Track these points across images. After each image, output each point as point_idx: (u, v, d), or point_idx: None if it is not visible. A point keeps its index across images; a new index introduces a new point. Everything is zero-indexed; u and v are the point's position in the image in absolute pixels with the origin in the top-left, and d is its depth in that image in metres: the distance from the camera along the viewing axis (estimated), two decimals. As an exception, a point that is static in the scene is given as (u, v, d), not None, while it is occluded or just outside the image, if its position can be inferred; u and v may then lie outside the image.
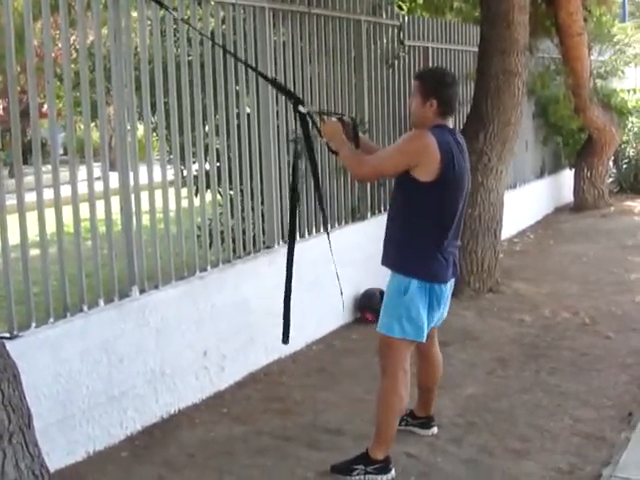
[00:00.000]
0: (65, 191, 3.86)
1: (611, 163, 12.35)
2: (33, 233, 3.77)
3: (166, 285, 4.51)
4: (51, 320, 3.85)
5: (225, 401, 4.65)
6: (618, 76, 13.18)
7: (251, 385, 4.90)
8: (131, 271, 4.32)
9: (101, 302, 4.12)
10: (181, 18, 4.48)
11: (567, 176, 11.79)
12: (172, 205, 4.64)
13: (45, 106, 4.03)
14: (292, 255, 3.73)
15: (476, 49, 7.15)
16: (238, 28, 5.03)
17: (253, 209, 5.29)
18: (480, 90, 6.85)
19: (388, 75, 7.01)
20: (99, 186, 4.09)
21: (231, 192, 5.15)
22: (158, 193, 4.49)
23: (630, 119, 12.39)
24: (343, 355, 5.46)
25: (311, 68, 5.80)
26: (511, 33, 6.58)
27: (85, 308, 4.03)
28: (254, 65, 5.10)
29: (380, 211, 6.73)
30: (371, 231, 6.08)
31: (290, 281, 3.72)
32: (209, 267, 4.87)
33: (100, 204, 4.11)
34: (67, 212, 3.91)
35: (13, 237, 3.65)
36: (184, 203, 4.75)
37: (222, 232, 5.11)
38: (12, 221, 3.63)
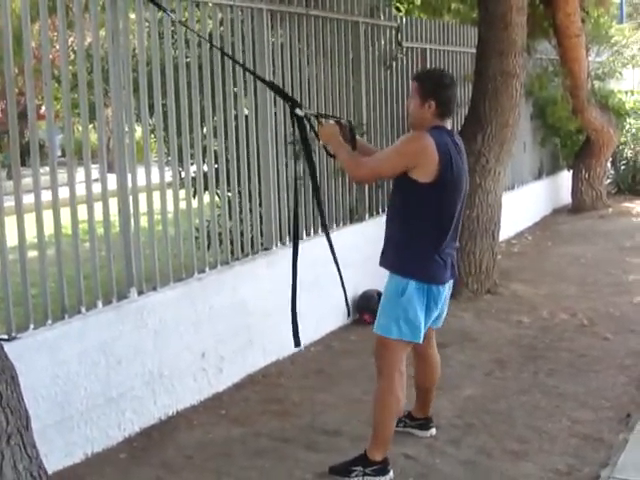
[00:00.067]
0: (63, 193, 3.87)
1: (609, 164, 12.38)
2: (31, 235, 3.78)
3: (164, 287, 4.51)
4: (49, 322, 3.85)
5: (223, 403, 4.65)
6: (616, 77, 13.20)
7: (249, 387, 4.90)
8: (129, 273, 4.32)
9: (99, 304, 4.12)
10: (179, 20, 4.48)
11: (565, 177, 11.79)
12: (170, 207, 4.64)
13: (43, 108, 4.04)
14: (296, 259, 3.72)
15: (474, 50, 7.16)
16: (236, 30, 5.03)
17: (251, 211, 5.29)
18: (478, 91, 6.86)
19: (386, 77, 7.02)
20: (97, 188, 4.08)
21: (229, 194, 5.15)
22: (156, 195, 4.49)
23: (628, 120, 12.41)
24: (341, 356, 5.46)
25: (309, 70, 5.80)
26: (509, 34, 6.59)
27: (83, 310, 4.03)
28: (252, 67, 5.11)
29: (378, 212, 6.74)
30: (369, 232, 6.08)
31: (295, 284, 3.71)
32: (207, 269, 4.87)
33: (98, 206, 4.11)
34: (65, 214, 3.90)
35: (11, 239, 3.65)
36: (182, 205, 4.75)
37: (220, 234, 5.11)
38: (10, 223, 3.63)
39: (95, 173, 4.08)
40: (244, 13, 5.13)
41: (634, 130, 12.74)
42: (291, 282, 3.72)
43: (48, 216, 3.80)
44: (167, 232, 4.60)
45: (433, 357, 4.05)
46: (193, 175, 4.91)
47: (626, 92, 12.90)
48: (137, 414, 4.23)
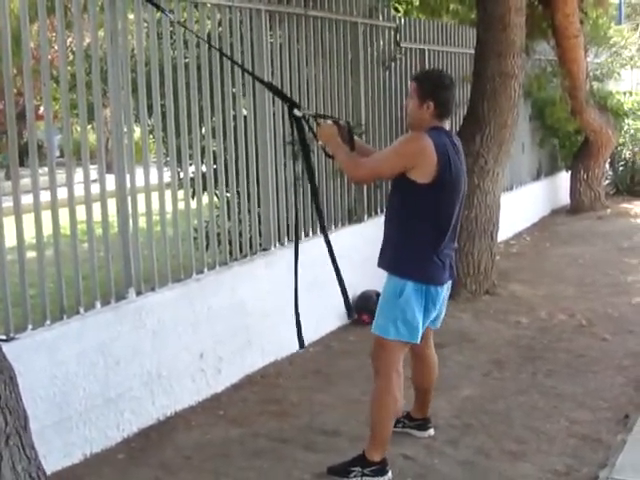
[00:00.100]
0: (62, 193, 3.86)
1: (607, 165, 12.38)
2: (30, 235, 3.77)
3: (163, 287, 4.51)
4: (48, 322, 3.85)
5: (221, 403, 4.65)
6: (614, 78, 13.22)
7: (247, 387, 4.90)
8: (128, 273, 4.32)
9: (98, 304, 4.12)
10: (178, 20, 4.48)
11: (563, 178, 11.80)
12: (169, 207, 4.64)
13: (42, 108, 4.04)
14: (297, 262, 3.72)
15: (472, 51, 7.16)
16: (235, 30, 5.03)
17: (250, 211, 5.29)
18: (476, 92, 6.86)
19: (385, 77, 7.02)
20: (96, 188, 4.09)
21: (228, 194, 5.16)
22: (155, 195, 4.48)
23: (626, 121, 12.41)
24: (340, 357, 5.46)
25: (308, 70, 5.80)
26: (507, 35, 6.59)
27: (82, 310, 4.03)
28: (251, 67, 5.11)
29: (377, 213, 6.74)
30: (368, 233, 6.08)
31: (297, 286, 3.71)
32: (206, 269, 4.87)
33: (97, 206, 4.11)
34: (64, 214, 3.90)
35: (10, 239, 3.65)
36: (181, 205, 4.75)
37: (219, 234, 5.11)
38: (9, 223, 3.63)
39: (94, 174, 4.08)
40: (243, 14, 5.13)
41: (632, 131, 12.74)
42: (293, 284, 3.71)
43: (47, 216, 3.80)
44: (166, 233, 4.60)
45: (430, 357, 4.05)
46: (192, 176, 4.91)
47: (624, 93, 12.90)
48: (135, 415, 4.23)
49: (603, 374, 4.98)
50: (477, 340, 5.75)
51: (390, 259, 3.67)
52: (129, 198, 4.29)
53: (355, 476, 3.65)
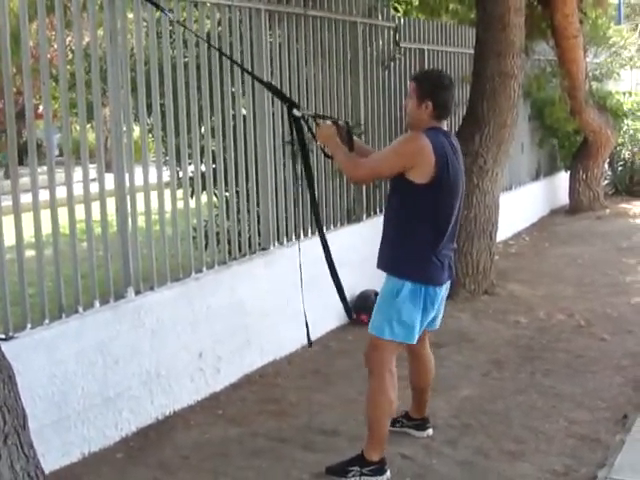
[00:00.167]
0: (61, 192, 3.86)
1: (606, 165, 12.38)
2: (29, 234, 3.77)
3: (161, 286, 4.51)
4: (46, 321, 3.84)
5: (220, 403, 4.65)
6: (614, 78, 13.23)
7: (246, 387, 4.90)
8: (126, 272, 4.31)
9: (96, 303, 4.12)
10: (177, 20, 4.48)
11: (562, 178, 11.80)
12: (168, 206, 4.64)
13: (41, 107, 4.03)
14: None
15: (472, 51, 7.16)
16: (234, 30, 5.03)
17: (249, 211, 5.29)
18: (476, 92, 6.86)
19: (384, 77, 7.02)
20: (95, 187, 4.09)
21: (227, 194, 5.16)
22: (154, 194, 4.49)
23: (625, 121, 12.42)
24: (338, 356, 5.46)
25: (307, 70, 5.80)
26: (507, 35, 6.59)
27: (80, 309, 4.03)
28: (250, 67, 5.11)
29: (376, 213, 6.74)
30: (366, 233, 6.09)
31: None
32: (204, 268, 4.87)
33: (96, 205, 4.11)
34: (63, 213, 3.90)
35: (8, 238, 3.65)
36: (180, 205, 4.75)
37: (218, 233, 5.11)
38: (8, 222, 3.63)
39: (93, 173, 4.07)
40: (242, 13, 5.12)
41: (632, 131, 12.75)
42: (299, 286, 3.71)
43: (46, 215, 3.80)
44: (165, 232, 4.60)
45: (426, 357, 4.05)
46: (191, 175, 4.91)
47: (624, 93, 12.92)
48: (134, 414, 4.23)
49: (602, 374, 4.99)
50: (476, 340, 5.75)
51: (389, 259, 3.67)
52: (128, 197, 4.29)
53: (353, 476, 3.65)
